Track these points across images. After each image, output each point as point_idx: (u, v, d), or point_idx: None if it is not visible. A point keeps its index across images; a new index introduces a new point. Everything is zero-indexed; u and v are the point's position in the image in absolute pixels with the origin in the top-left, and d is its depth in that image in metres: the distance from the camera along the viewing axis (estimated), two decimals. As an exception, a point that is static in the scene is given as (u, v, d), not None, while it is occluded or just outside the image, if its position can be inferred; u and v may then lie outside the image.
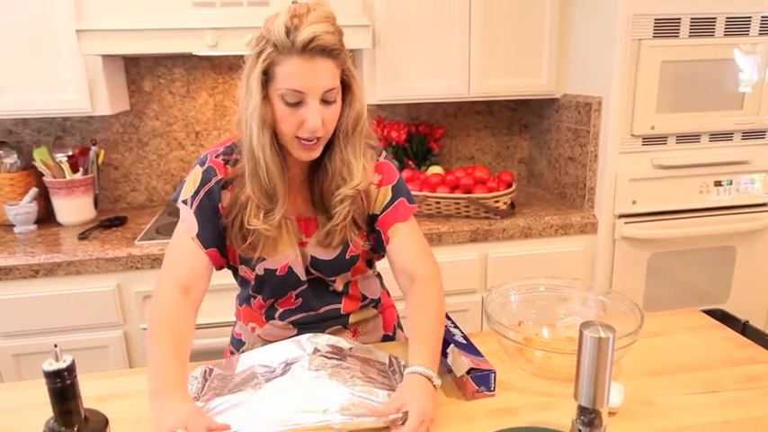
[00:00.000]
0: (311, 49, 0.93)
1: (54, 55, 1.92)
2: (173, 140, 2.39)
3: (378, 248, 1.18)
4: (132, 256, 1.83)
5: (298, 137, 0.99)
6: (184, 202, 1.10)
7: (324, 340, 1.09)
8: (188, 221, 1.09)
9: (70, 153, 2.19)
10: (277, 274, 1.12)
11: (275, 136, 1.02)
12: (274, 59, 0.95)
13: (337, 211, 1.08)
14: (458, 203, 2.09)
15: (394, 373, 1.07)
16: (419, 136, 2.44)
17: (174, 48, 1.89)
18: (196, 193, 1.08)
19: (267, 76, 0.97)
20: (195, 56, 2.29)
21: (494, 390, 1.03)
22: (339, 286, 1.19)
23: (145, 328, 1.88)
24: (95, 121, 2.30)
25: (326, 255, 1.13)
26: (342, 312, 1.22)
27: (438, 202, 2.11)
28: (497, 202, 2.07)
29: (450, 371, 1.07)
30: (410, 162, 2.42)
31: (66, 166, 2.13)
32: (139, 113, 2.34)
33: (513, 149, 2.68)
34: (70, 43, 1.87)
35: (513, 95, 2.30)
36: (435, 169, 2.31)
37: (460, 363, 1.03)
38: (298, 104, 0.97)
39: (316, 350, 1.06)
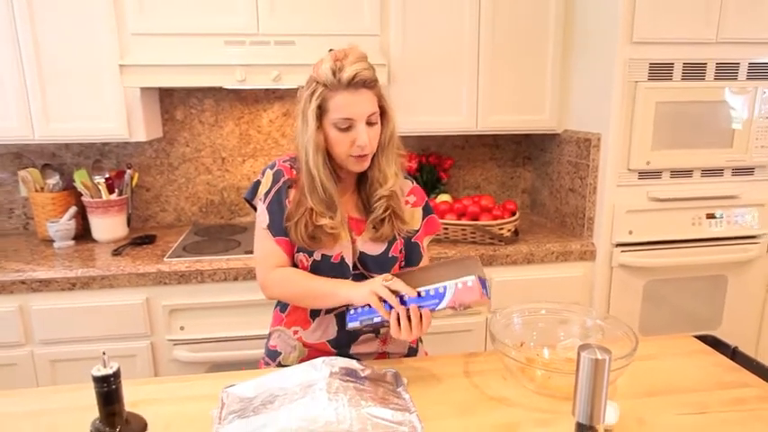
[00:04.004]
0: (355, 83, 1.12)
1: (97, 86, 1.99)
2: (200, 165, 2.45)
3: (409, 261, 1.32)
4: (161, 272, 1.87)
5: (351, 155, 1.17)
6: (260, 199, 1.26)
7: (338, 362, 1.09)
8: (261, 215, 1.25)
9: (107, 175, 2.24)
10: (332, 261, 1.23)
11: (327, 157, 1.19)
12: (326, 96, 1.14)
13: (377, 206, 1.23)
14: (464, 230, 2.12)
15: (402, 390, 1.09)
16: (429, 166, 2.48)
17: (207, 82, 1.96)
18: (269, 191, 1.25)
19: (321, 110, 1.15)
20: (224, 88, 2.36)
21: (489, 296, 1.07)
22: None
23: (170, 340, 1.92)
24: (130, 147, 2.37)
25: (374, 250, 1.26)
26: None
27: (446, 229, 2.14)
28: (502, 229, 2.10)
29: (457, 305, 1.06)
30: (420, 190, 2.45)
31: (103, 188, 2.19)
32: (171, 140, 2.41)
33: (517, 180, 2.71)
34: (113, 76, 1.95)
35: (518, 130, 2.34)
36: (444, 197, 2.35)
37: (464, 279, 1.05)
38: (348, 129, 1.15)
39: (332, 373, 1.05)
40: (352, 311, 1.12)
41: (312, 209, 1.19)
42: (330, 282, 1.19)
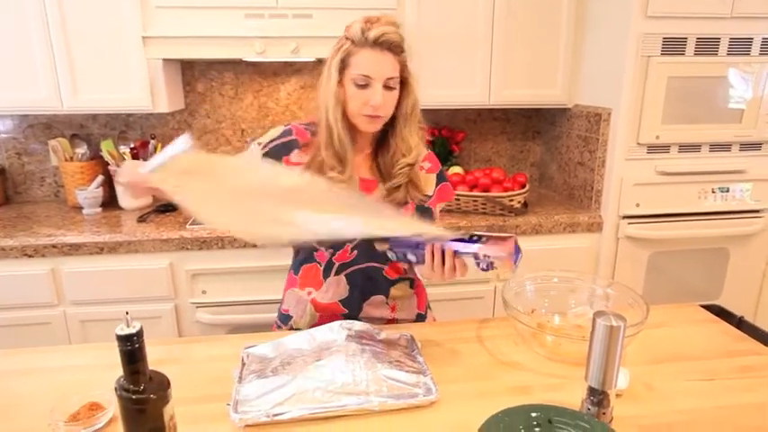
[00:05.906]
0: (380, 43, 1.09)
1: (122, 59, 1.94)
2: (221, 137, 2.41)
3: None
4: (184, 238, 1.85)
5: (362, 113, 1.13)
6: (258, 144, 1.21)
7: (355, 326, 1.08)
8: (249, 154, 1.21)
9: (132, 145, 2.21)
10: None
11: (345, 113, 1.15)
12: (350, 51, 1.11)
13: (400, 174, 1.20)
14: (476, 201, 2.07)
15: (416, 354, 1.07)
16: (442, 139, 2.42)
17: (227, 54, 1.90)
18: (270, 141, 1.21)
19: (344, 65, 1.12)
20: (244, 61, 2.30)
21: (517, 266, 0.98)
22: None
23: (193, 303, 1.91)
24: (154, 118, 2.33)
25: None
26: (384, 275, 1.25)
27: (458, 200, 2.09)
28: (512, 200, 2.05)
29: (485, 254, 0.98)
30: (432, 162, 2.40)
31: (128, 157, 2.16)
32: (192, 112, 2.36)
33: (527, 153, 2.64)
34: (136, 48, 1.90)
35: (530, 104, 2.26)
36: (456, 169, 2.30)
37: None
38: (365, 87, 1.11)
39: (348, 336, 1.04)
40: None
41: (323, 161, 1.16)
42: None
